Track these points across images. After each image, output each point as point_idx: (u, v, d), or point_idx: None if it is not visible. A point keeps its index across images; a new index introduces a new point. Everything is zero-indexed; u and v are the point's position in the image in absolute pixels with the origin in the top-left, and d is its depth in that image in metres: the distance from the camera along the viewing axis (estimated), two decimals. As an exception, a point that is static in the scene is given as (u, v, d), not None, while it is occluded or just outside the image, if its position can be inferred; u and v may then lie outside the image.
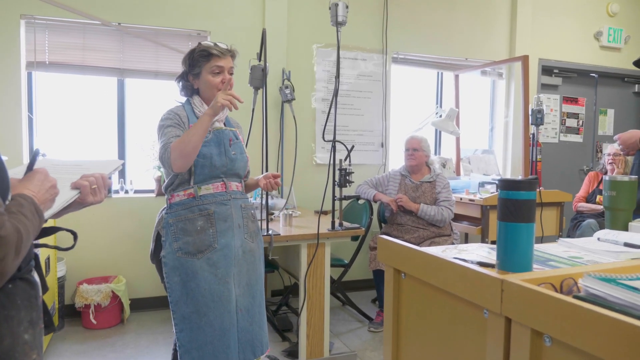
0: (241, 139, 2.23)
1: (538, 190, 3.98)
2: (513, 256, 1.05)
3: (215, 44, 2.12)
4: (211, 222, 2.06)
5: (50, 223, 1.70)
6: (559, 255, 1.31)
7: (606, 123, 6.01)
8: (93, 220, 3.76)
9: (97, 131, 4.02)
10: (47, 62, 3.73)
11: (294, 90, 4.04)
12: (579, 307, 0.79)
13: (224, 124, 2.21)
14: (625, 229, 1.66)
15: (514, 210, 1.03)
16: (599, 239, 1.48)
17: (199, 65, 2.11)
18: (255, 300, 2.18)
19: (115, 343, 3.34)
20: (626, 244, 1.37)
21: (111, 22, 3.79)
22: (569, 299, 0.82)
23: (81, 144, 3.97)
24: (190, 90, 2.19)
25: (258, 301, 2.20)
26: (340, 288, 3.85)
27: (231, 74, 2.14)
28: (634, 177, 1.69)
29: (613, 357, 0.74)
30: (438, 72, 5.17)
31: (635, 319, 0.74)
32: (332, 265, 3.36)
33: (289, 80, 4.10)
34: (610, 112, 6.00)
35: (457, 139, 4.99)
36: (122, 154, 4.06)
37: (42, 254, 3.07)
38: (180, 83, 2.21)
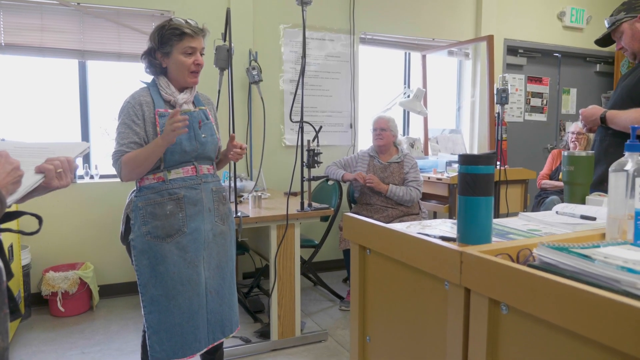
0: (211, 119, 2.17)
1: (503, 168, 4.07)
2: (472, 229, 1.07)
3: (187, 22, 2.05)
4: (180, 207, 2.03)
5: (13, 207, 1.66)
6: (519, 228, 1.35)
7: (569, 102, 6.15)
8: (58, 207, 3.68)
9: (59, 115, 3.91)
10: (3, 44, 3.59)
11: (261, 72, 4.00)
12: (532, 275, 0.82)
13: (194, 103, 2.16)
14: (583, 202, 1.71)
15: (472, 185, 1.05)
16: (557, 212, 1.53)
17: (170, 44, 2.04)
18: (225, 282, 2.18)
19: (84, 330, 3.30)
20: (582, 217, 1.42)
21: (69, 1, 3.67)
22: (523, 267, 0.85)
23: (42, 128, 3.85)
24: (158, 68, 2.10)
25: (228, 282, 2.20)
26: (311, 269, 3.88)
27: (202, 54, 2.11)
28: (590, 152, 1.74)
29: (564, 322, 0.78)
30: (405, 53, 5.19)
31: (585, 284, 0.77)
32: (302, 246, 3.38)
33: (256, 61, 4.06)
34: (573, 92, 6.15)
35: (425, 119, 5.04)
36: (85, 138, 3.96)
37: (6, 241, 2.99)
38: (147, 60, 2.12)
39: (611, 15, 2.39)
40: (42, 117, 3.86)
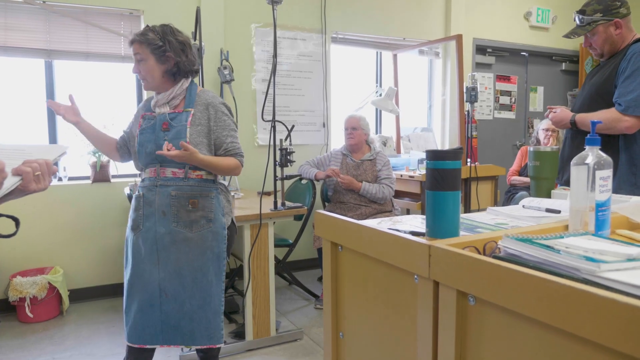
0: (188, 123, 2.11)
1: (474, 165, 4.14)
2: (441, 223, 1.09)
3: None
4: (141, 205, 2.15)
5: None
6: (487, 222, 1.38)
7: (537, 100, 6.29)
8: (25, 210, 3.59)
9: (26, 116, 3.82)
10: (-35, 44, 3.49)
11: (233, 71, 3.98)
12: (497, 266, 0.84)
13: (184, 105, 2.16)
14: (549, 196, 1.76)
15: (440, 180, 1.07)
16: (524, 206, 1.57)
17: None
18: (185, 290, 2.13)
19: (54, 335, 3.23)
20: (547, 210, 1.46)
21: (35, 0, 3.58)
22: (489, 259, 0.87)
23: (8, 130, 3.75)
24: None
25: (190, 291, 2.14)
26: (285, 268, 3.87)
27: (140, 60, 2.13)
28: (555, 147, 1.79)
29: (528, 311, 0.80)
30: (377, 52, 5.23)
31: (547, 273, 0.80)
32: (276, 246, 3.38)
33: (227, 60, 4.03)
34: (540, 90, 6.29)
35: (397, 118, 5.09)
36: (53, 140, 3.88)
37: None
38: None
39: (584, 13, 2.35)
40: (8, 118, 3.76)
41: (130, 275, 2.15)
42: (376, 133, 5.23)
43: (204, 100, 2.17)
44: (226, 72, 3.92)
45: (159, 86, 2.16)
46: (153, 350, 2.24)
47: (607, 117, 2.23)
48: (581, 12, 2.37)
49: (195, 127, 2.12)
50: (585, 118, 2.33)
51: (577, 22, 2.38)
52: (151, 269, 2.12)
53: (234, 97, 3.88)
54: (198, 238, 2.13)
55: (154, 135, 2.12)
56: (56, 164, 1.28)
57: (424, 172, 4.05)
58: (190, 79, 2.23)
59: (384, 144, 4.85)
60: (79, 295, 3.84)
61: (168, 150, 1.99)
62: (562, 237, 0.99)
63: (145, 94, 4.01)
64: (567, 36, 2.48)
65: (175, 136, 2.09)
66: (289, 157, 3.03)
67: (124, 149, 2.34)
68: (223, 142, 2.18)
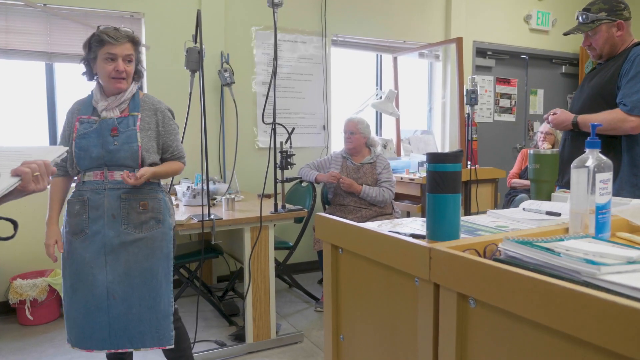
0: (137, 127, 2.14)
1: (474, 167, 4.14)
2: (441, 226, 1.09)
3: (115, 29, 2.14)
4: (85, 209, 2.14)
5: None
6: (487, 225, 1.38)
7: (537, 103, 6.30)
8: (26, 213, 3.59)
9: (26, 118, 3.82)
10: (-34, 46, 3.50)
11: (233, 74, 3.98)
12: (498, 269, 0.84)
13: (129, 109, 2.18)
14: (549, 199, 1.76)
15: (440, 182, 1.08)
16: (524, 209, 1.57)
17: (94, 50, 2.14)
18: (134, 291, 2.14)
19: (54, 338, 3.23)
20: (548, 212, 1.46)
21: (36, 3, 3.59)
22: (489, 261, 0.87)
23: (9, 132, 3.75)
24: (90, 75, 2.24)
25: (139, 293, 2.15)
26: (286, 270, 3.87)
27: (130, 60, 2.15)
28: (555, 150, 1.79)
29: (528, 313, 0.80)
30: (377, 55, 5.24)
31: (548, 276, 0.80)
32: (276, 248, 3.38)
33: (227, 63, 4.04)
34: (540, 92, 6.30)
35: (397, 120, 5.10)
36: (53, 142, 3.88)
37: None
38: (83, 66, 2.24)
39: (589, 11, 2.35)
40: (9, 120, 3.76)
41: (73, 280, 2.14)
42: (376, 136, 5.23)
43: (151, 105, 2.22)
44: (226, 74, 3.93)
45: (125, 87, 2.19)
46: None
47: (611, 118, 2.22)
48: (586, 10, 2.37)
49: (145, 131, 2.17)
50: (589, 119, 2.32)
51: (581, 20, 2.38)
52: (97, 273, 2.12)
53: (234, 100, 3.89)
54: (148, 238, 2.16)
55: (102, 140, 2.11)
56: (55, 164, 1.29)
57: (424, 174, 4.05)
58: (137, 83, 2.28)
59: (384, 146, 4.85)
60: (79, 298, 3.83)
61: (129, 178, 2.06)
62: (563, 240, 0.99)
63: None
64: (568, 33, 2.47)
65: (125, 141, 2.13)
66: (289, 160, 3.03)
67: (65, 169, 2.24)
68: (170, 145, 2.25)
